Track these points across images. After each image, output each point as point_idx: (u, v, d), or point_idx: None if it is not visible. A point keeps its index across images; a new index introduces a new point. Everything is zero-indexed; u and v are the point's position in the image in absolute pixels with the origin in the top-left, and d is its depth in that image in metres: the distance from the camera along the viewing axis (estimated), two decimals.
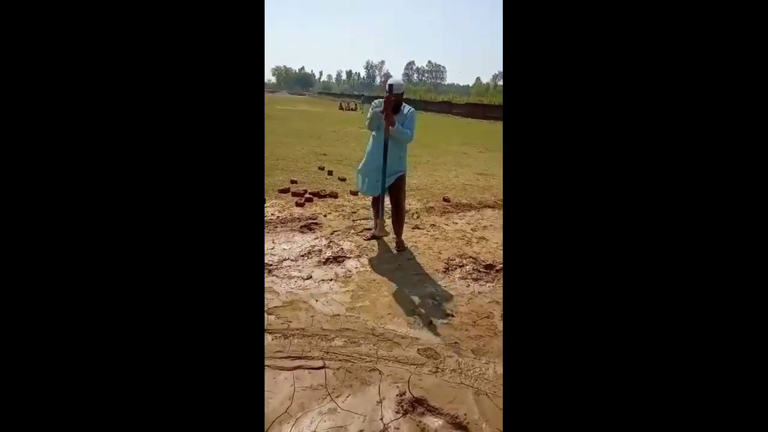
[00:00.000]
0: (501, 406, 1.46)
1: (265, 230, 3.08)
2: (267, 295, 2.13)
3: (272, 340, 1.76)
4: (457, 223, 3.67)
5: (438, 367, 1.65)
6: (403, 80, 2.85)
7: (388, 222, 3.02)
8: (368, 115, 2.69)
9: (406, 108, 2.73)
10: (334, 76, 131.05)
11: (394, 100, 2.57)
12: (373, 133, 2.73)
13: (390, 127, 2.52)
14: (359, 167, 2.84)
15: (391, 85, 2.56)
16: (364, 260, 2.70)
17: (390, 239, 3.02)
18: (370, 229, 3.14)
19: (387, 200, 2.87)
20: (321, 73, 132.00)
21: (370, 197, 3.01)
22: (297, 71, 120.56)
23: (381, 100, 2.71)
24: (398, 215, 2.88)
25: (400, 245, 2.92)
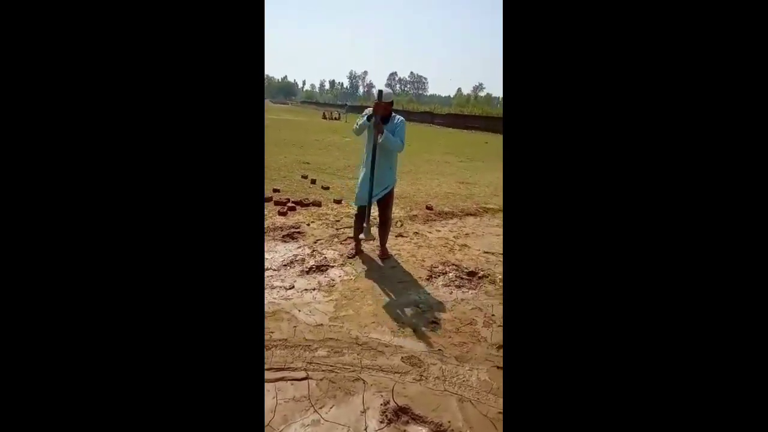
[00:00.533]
0: (484, 413, 1.47)
1: None
2: None
3: None
4: (440, 231, 3.71)
5: (422, 375, 1.65)
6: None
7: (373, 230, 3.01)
8: (357, 122, 2.68)
9: (397, 118, 2.72)
10: (317, 85, 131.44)
11: (383, 109, 2.57)
12: (365, 144, 2.70)
13: (379, 135, 2.51)
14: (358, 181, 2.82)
15: (380, 91, 2.57)
16: (348, 269, 2.69)
17: (374, 247, 3.02)
18: (353, 237, 3.13)
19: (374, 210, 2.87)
20: (304, 83, 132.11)
21: (356, 210, 2.97)
22: (279, 80, 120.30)
23: (371, 109, 2.71)
24: (384, 227, 2.89)
25: (384, 254, 2.92)
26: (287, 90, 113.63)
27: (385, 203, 2.80)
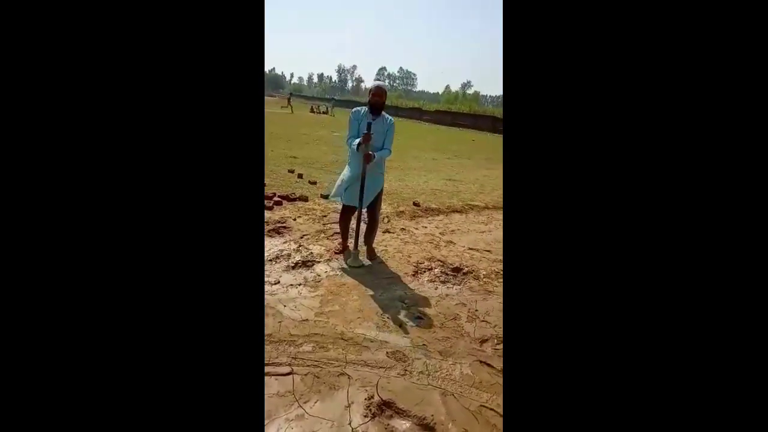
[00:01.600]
0: (466, 406, 1.50)
1: None
2: None
3: None
4: (426, 227, 3.73)
5: (406, 370, 1.67)
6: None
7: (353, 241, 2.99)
8: (348, 141, 2.66)
9: (387, 118, 2.67)
10: (305, 78, 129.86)
11: (375, 101, 2.59)
12: (352, 147, 2.65)
13: (368, 164, 2.54)
14: (341, 177, 2.76)
15: (369, 124, 2.53)
16: (334, 264, 2.69)
17: (360, 244, 3.02)
18: (339, 233, 3.12)
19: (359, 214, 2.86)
20: (292, 75, 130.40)
21: (339, 212, 2.93)
22: (267, 72, 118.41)
23: (362, 108, 2.68)
24: (372, 226, 2.85)
25: (371, 254, 2.88)
26: (274, 83, 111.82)
27: (376, 205, 2.79)
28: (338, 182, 2.77)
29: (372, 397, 1.48)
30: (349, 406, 1.44)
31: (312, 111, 24.83)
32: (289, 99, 24.43)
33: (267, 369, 1.58)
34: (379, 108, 2.62)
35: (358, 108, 2.72)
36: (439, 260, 2.91)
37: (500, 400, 1.52)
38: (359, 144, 2.54)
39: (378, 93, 2.61)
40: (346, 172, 2.74)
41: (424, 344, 1.87)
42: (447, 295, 2.42)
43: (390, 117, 2.72)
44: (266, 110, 21.71)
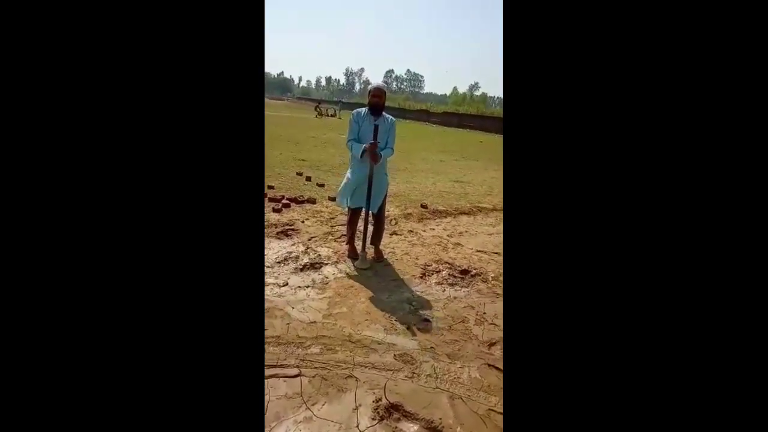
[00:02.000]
0: (475, 410, 1.49)
1: None
2: None
3: None
4: (434, 229, 3.72)
5: (414, 373, 1.66)
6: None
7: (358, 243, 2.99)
8: (348, 143, 2.67)
9: (388, 118, 2.68)
10: (313, 82, 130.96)
11: (375, 102, 2.58)
12: (353, 152, 2.66)
13: (375, 164, 2.54)
14: (344, 183, 2.77)
15: (377, 126, 2.53)
16: (342, 266, 2.69)
17: (367, 246, 3.02)
18: (347, 235, 3.13)
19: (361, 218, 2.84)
20: (300, 79, 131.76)
21: (347, 216, 2.92)
22: (276, 76, 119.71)
23: (362, 109, 2.70)
24: (379, 227, 2.85)
25: (379, 255, 2.88)
26: (283, 86, 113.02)
27: (382, 206, 2.79)
28: (342, 187, 2.77)
29: (380, 399, 1.48)
30: (356, 408, 1.44)
31: (320, 114, 25.25)
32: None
33: (275, 371, 1.59)
34: (380, 109, 2.61)
35: (359, 109, 2.71)
36: (447, 262, 2.90)
37: None
38: (364, 151, 2.54)
39: (377, 94, 2.59)
40: (349, 175, 2.74)
41: (432, 347, 1.86)
42: (455, 297, 2.41)
43: (390, 117, 2.72)
44: (270, 113, 21.89)
